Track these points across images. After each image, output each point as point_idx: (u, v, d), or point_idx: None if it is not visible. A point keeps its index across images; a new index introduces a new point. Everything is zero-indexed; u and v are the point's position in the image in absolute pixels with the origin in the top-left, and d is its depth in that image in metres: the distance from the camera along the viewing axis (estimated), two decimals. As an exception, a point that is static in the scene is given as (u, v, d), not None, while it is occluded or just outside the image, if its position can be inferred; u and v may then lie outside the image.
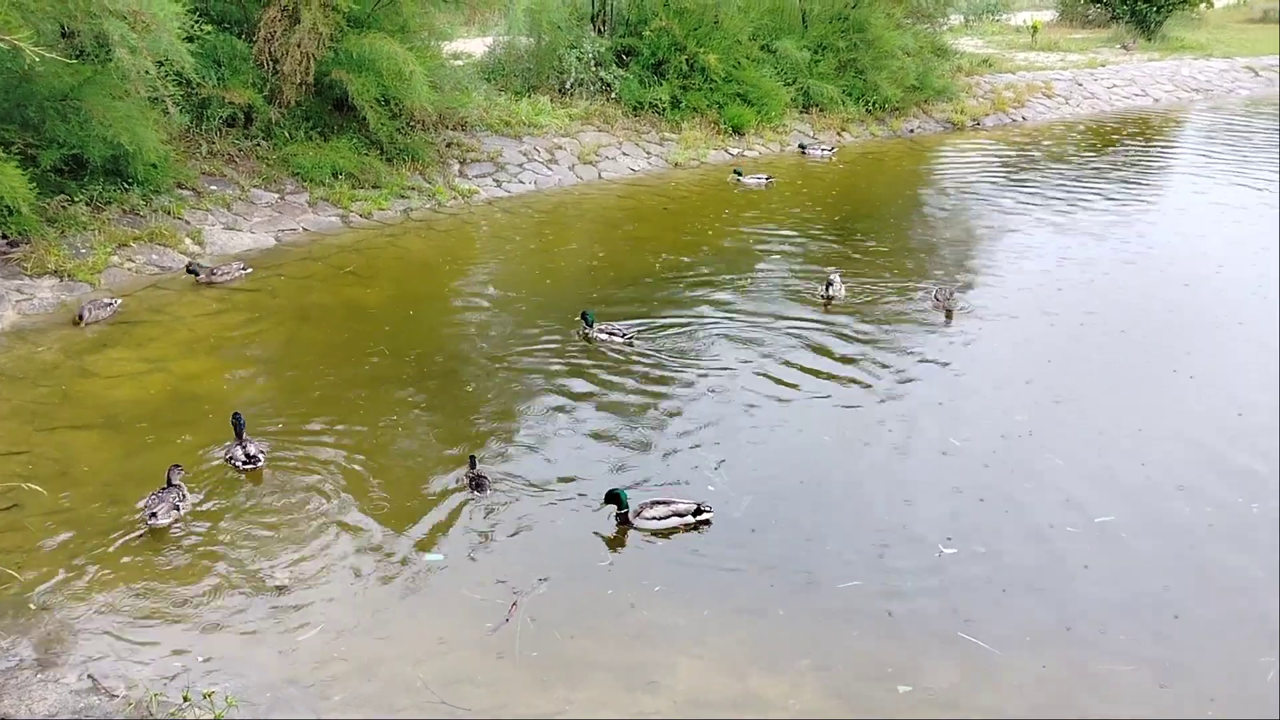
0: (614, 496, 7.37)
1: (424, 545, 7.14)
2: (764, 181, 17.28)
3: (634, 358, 10.21)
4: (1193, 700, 5.81)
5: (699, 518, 7.33)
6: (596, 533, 7.30)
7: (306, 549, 7.05)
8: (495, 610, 6.47)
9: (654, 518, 7.27)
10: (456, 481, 7.89)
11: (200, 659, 5.99)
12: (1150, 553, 7.13)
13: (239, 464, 7.99)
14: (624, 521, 7.31)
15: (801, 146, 19.77)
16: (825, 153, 19.58)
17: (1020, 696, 5.84)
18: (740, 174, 17.42)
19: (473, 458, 7.97)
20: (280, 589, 6.62)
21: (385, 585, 6.72)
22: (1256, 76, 29.54)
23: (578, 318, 10.81)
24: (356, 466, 8.09)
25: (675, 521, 7.29)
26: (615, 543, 7.23)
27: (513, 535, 7.29)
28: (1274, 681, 5.91)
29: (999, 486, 7.94)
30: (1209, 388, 9.69)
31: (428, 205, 15.41)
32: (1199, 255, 13.76)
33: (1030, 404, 9.31)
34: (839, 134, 21.13)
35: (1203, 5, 34.28)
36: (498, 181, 16.66)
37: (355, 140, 15.40)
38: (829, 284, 11.77)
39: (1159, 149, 21.28)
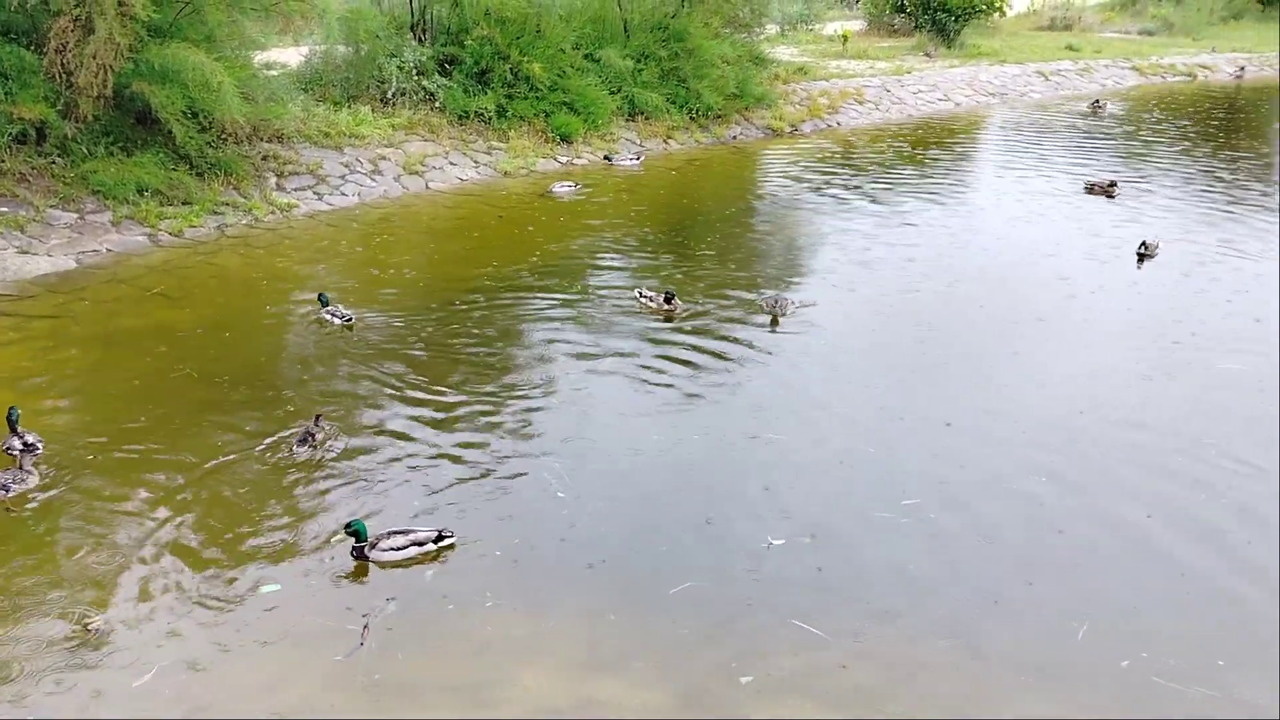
0: (352, 530, 7.05)
1: (259, 574, 6.86)
2: (573, 189, 17.40)
3: (472, 375, 10.10)
4: (1011, 672, 6.18)
5: (440, 544, 7.09)
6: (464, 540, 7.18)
7: (125, 587, 6.64)
8: (343, 637, 6.27)
9: (392, 548, 7.00)
10: (283, 507, 7.60)
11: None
12: (966, 536, 7.56)
13: (15, 452, 7.91)
14: (361, 555, 7.01)
15: (607, 157, 19.70)
16: (633, 162, 19.63)
17: (851, 679, 6.07)
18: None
19: (318, 416, 8.43)
20: (91, 630, 6.20)
21: (219, 620, 6.40)
22: (1046, 80, 31.73)
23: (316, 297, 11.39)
24: (179, 496, 7.69)
25: (415, 551, 7.02)
26: (440, 556, 7.12)
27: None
28: (1085, 638, 6.36)
29: (822, 480, 8.24)
30: (1019, 379, 10.35)
31: (244, 221, 14.78)
32: (1009, 249, 14.64)
33: (852, 401, 9.70)
34: (665, 141, 21.49)
35: (996, 14, 36.53)
36: (319, 194, 16.15)
37: (162, 155, 14.62)
38: (656, 294, 11.89)
39: (964, 150, 22.59)
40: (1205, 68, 36.19)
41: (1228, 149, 22.85)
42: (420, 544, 7.06)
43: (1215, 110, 28.86)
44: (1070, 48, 36.43)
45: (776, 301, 11.72)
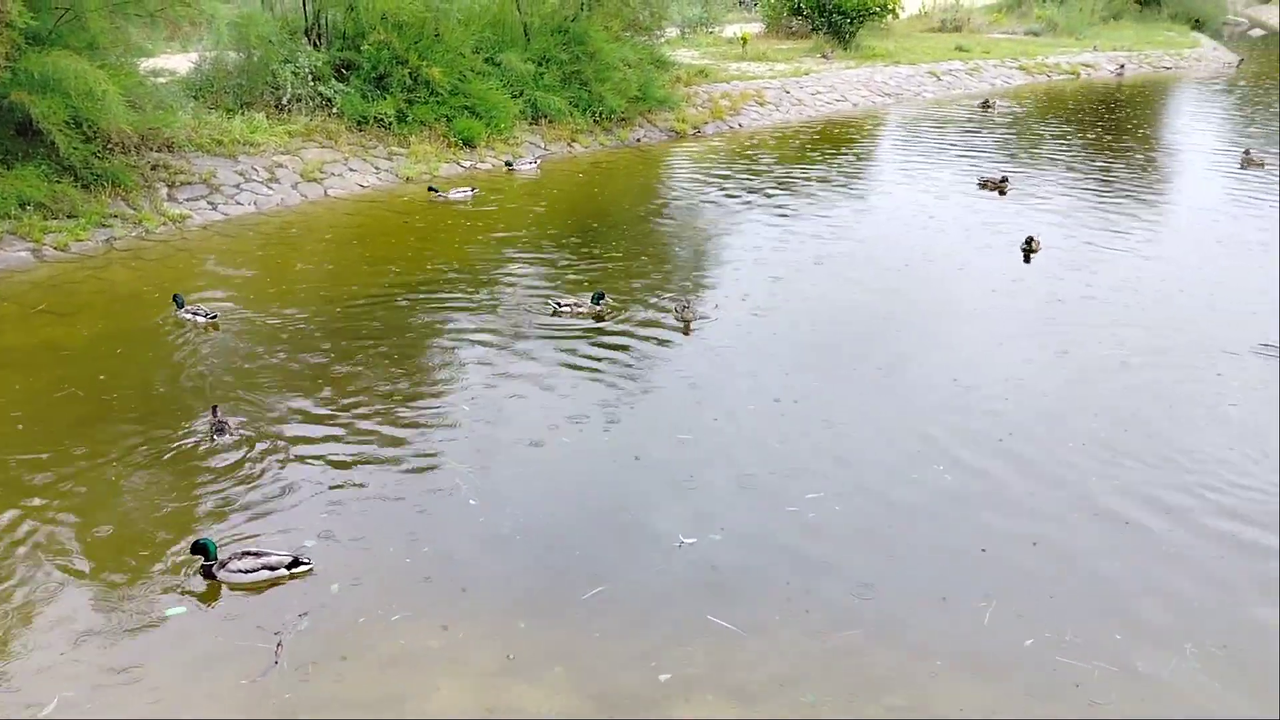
0: (200, 547, 6.84)
1: (162, 596, 6.67)
2: (468, 194, 17.27)
3: (377, 382, 9.94)
4: (922, 657, 6.34)
5: (294, 570, 6.86)
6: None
7: (12, 616, 6.36)
8: (256, 656, 6.13)
9: (241, 570, 6.77)
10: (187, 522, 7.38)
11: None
12: (871, 526, 7.73)
13: None
14: (209, 574, 6.80)
15: (508, 163, 19.39)
16: (531, 167, 19.42)
17: (765, 669, 6.16)
18: (436, 189, 17.18)
19: (214, 408, 8.52)
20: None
21: (122, 647, 6.18)
22: (939, 80, 32.65)
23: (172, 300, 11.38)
24: (72, 518, 7.41)
25: (265, 575, 6.79)
26: (348, 569, 6.99)
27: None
28: (991, 620, 6.56)
29: (731, 477, 8.34)
30: (920, 374, 10.63)
31: (134, 233, 14.29)
32: (909, 245, 14.98)
33: (759, 400, 9.83)
34: (569, 144, 21.47)
35: (889, 16, 37.42)
36: (213, 204, 15.71)
37: (44, 167, 14.05)
38: (579, 300, 11.87)
39: (863, 149, 23.08)
40: (1088, 66, 37.66)
41: (1112, 143, 23.81)
42: (272, 568, 6.82)
43: (1098, 107, 30.05)
44: (960, 49, 37.53)
45: (686, 306, 11.77)
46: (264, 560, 6.84)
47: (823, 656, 6.29)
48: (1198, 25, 52.63)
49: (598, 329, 11.38)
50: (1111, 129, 26.08)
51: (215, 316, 11.21)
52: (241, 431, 8.68)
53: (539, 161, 19.78)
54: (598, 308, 11.78)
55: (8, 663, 6.03)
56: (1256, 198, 18.10)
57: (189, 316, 11.22)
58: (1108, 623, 6.60)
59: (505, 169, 19.31)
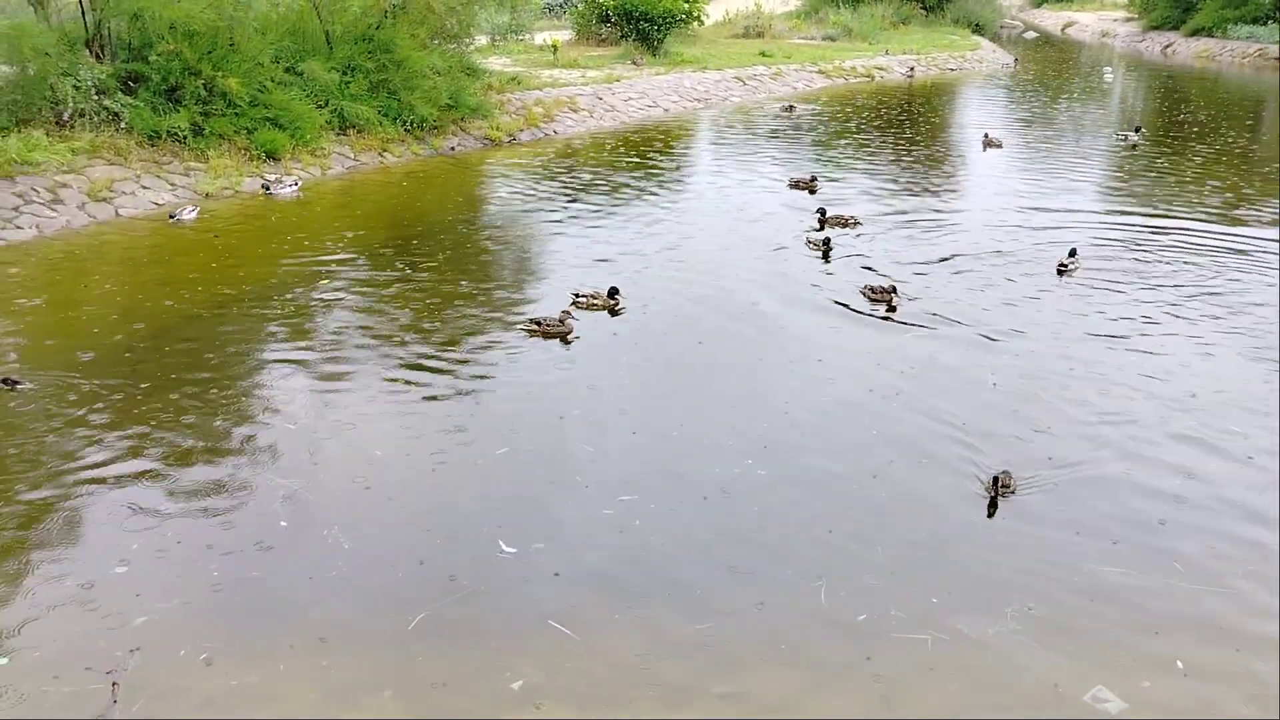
0: None
1: None
2: (295, 190, 17.12)
3: (191, 407, 9.40)
4: (761, 646, 6.50)
5: None
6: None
7: None
8: (89, 700, 5.77)
9: None
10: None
11: None
12: (691, 518, 7.90)
13: None
14: None
15: (264, 186, 17.85)
16: (291, 189, 17.98)
17: (609, 670, 6.19)
18: (270, 188, 17.09)
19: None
20: None
21: None
22: (744, 85, 33.69)
23: None
24: None
25: None
26: (164, 593, 6.61)
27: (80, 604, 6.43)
28: (827, 598, 6.80)
29: (557, 485, 8.36)
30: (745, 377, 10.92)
31: (-104, 264, 13.04)
32: (732, 245, 15.25)
33: (593, 407, 9.88)
34: (381, 154, 20.96)
35: (695, 23, 38.35)
36: (-11, 230, 14.51)
37: None
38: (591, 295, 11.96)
39: (677, 153, 23.55)
40: (881, 69, 39.68)
41: (908, 140, 25.18)
42: None
43: (893, 107, 31.72)
44: (763, 54, 38.84)
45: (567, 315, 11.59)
46: None
47: (663, 652, 6.37)
48: (978, 29, 56.35)
49: (425, 341, 11.15)
50: (907, 127, 27.58)
51: (21, 384, 9.62)
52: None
53: (299, 184, 18.31)
54: (613, 301, 11.92)
55: None
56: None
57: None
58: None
59: (263, 192, 17.81)
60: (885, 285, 12.52)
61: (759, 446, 8.92)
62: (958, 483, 8.34)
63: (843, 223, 16.16)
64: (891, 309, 12.18)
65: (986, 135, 24.40)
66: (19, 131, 16.80)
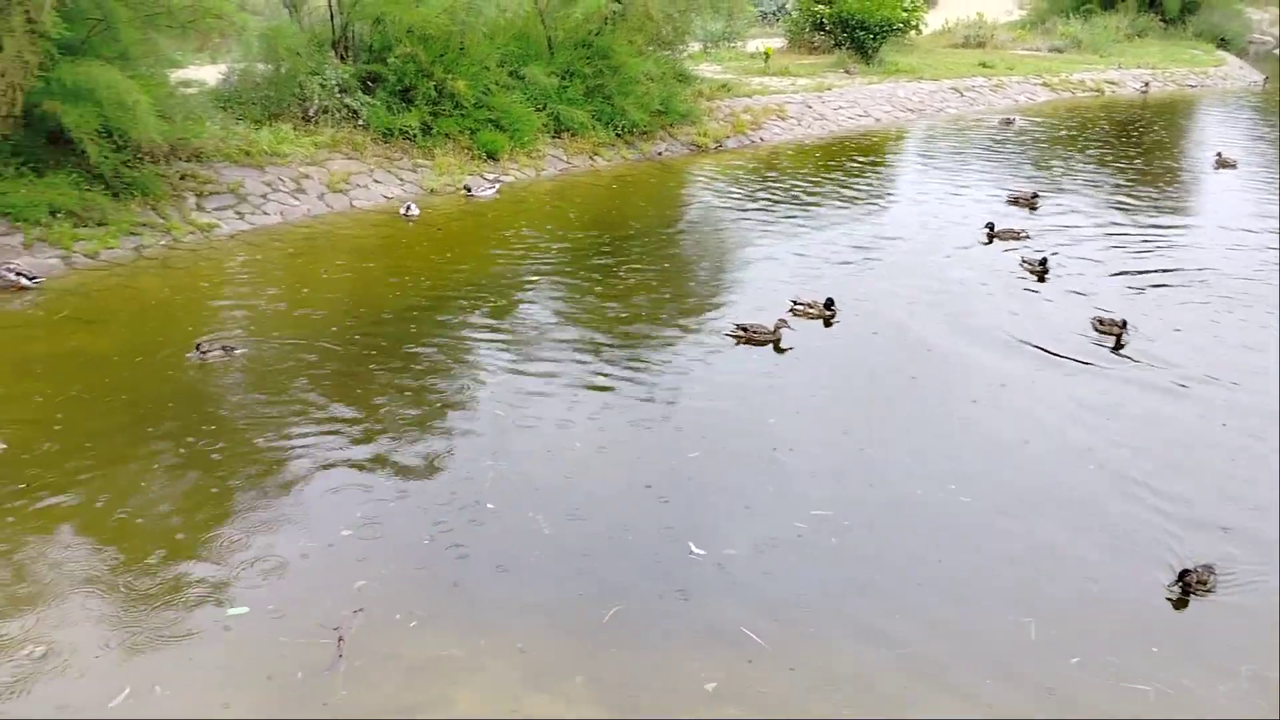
0: None
1: (221, 598, 6.81)
2: (494, 192, 17.92)
3: (400, 410, 10.00)
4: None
5: None
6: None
7: (69, 612, 6.44)
8: (317, 651, 6.29)
9: None
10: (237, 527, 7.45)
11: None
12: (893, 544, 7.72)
13: None
14: None
15: (467, 188, 18.32)
16: (490, 191, 18.46)
17: (798, 679, 6.14)
18: (471, 189, 18.01)
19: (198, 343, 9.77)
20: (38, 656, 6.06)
21: (188, 650, 6.31)
22: (961, 96, 32.59)
23: None
24: (115, 521, 7.50)
25: None
26: (355, 573, 7.03)
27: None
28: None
29: (735, 493, 8.34)
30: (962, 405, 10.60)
31: (162, 242, 14.43)
32: (943, 263, 14.77)
33: (795, 422, 9.83)
34: (592, 158, 21.54)
35: (913, 32, 37.39)
36: (240, 214, 15.85)
37: (76, 175, 14.22)
38: (809, 303, 12.07)
39: (888, 165, 23.07)
40: (1112, 83, 37.48)
41: (1138, 159, 23.69)
42: None
43: (1124, 124, 29.91)
44: (984, 65, 37.43)
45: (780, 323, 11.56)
46: None
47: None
48: (1223, 44, 52.30)
49: (624, 346, 11.39)
50: (1137, 146, 25.95)
51: (236, 350, 10.59)
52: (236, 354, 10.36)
53: (498, 186, 18.83)
54: (829, 312, 12.06)
55: (66, 659, 6.13)
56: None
57: (203, 358, 10.38)
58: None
59: (464, 193, 18.30)
60: (1116, 319, 11.80)
61: (960, 475, 8.63)
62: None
63: (1014, 235, 15.82)
64: (1120, 345, 11.50)
65: (1219, 155, 23.08)
66: (270, 125, 18.29)
